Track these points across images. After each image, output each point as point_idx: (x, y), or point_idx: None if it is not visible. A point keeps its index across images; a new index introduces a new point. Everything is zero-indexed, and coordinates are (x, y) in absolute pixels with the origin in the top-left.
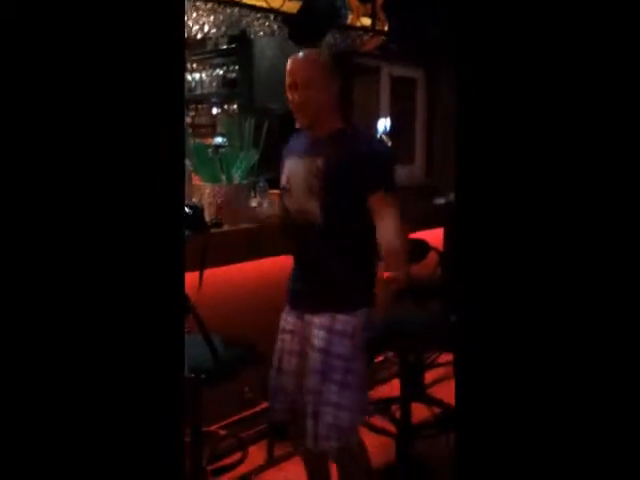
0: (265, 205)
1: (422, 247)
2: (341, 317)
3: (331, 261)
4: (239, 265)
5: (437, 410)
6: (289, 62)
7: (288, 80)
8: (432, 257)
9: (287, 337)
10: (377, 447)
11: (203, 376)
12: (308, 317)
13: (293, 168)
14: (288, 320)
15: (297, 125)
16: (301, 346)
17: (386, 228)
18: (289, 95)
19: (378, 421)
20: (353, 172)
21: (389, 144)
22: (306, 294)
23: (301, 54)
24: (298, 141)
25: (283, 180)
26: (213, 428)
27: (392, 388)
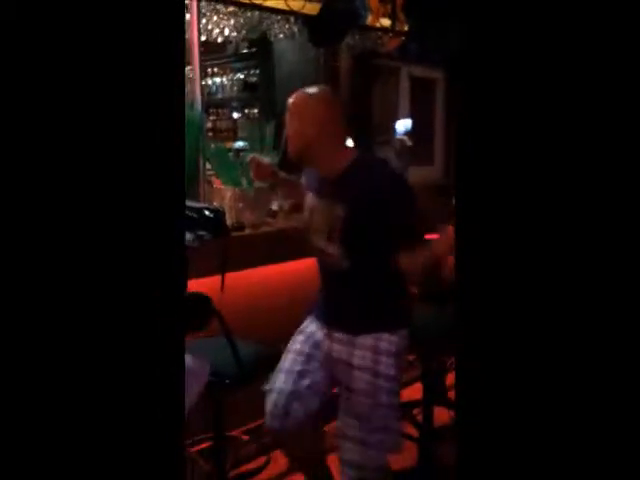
0: (286, 208)
1: None
2: (385, 336)
3: (360, 294)
4: (261, 268)
5: None
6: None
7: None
8: (451, 260)
9: (305, 344)
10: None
11: (227, 381)
12: (345, 337)
13: (313, 208)
14: (309, 330)
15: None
16: (320, 360)
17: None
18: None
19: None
20: (376, 222)
21: (409, 144)
22: (341, 316)
23: (299, 92)
24: (312, 176)
25: (305, 215)
26: (236, 433)
27: (413, 391)
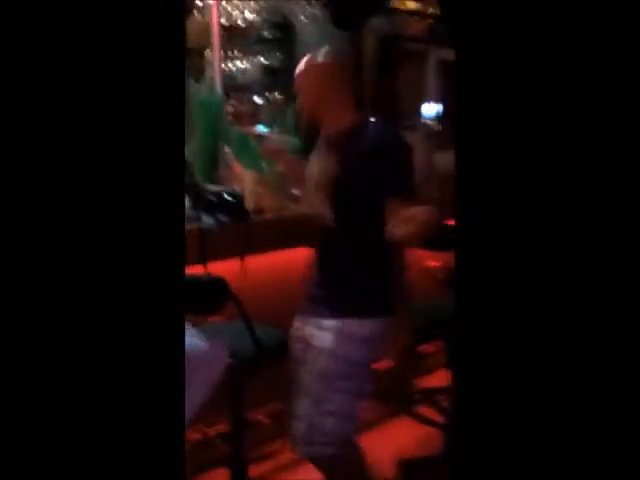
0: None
1: None
2: (350, 321)
3: (345, 264)
4: (280, 252)
5: None
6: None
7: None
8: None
9: (298, 346)
10: (424, 437)
11: (246, 364)
12: (317, 322)
13: (309, 166)
14: (297, 327)
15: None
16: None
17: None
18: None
19: (425, 411)
20: (366, 177)
21: (437, 129)
22: (316, 298)
23: (306, 57)
24: (320, 138)
25: (306, 173)
26: (256, 415)
27: (438, 378)
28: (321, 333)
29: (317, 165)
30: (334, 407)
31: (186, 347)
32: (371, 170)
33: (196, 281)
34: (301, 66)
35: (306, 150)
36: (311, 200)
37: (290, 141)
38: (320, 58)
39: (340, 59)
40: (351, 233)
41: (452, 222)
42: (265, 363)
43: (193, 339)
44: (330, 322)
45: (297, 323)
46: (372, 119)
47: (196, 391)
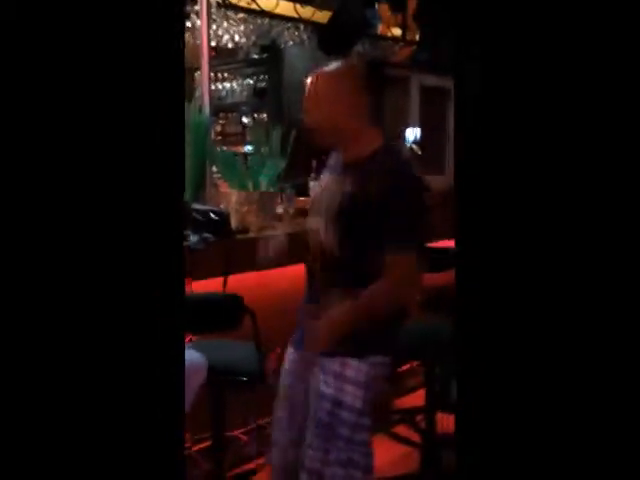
0: (291, 212)
1: (446, 256)
2: (353, 363)
3: (343, 297)
4: (265, 271)
5: None
6: (310, 76)
7: (305, 94)
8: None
9: (287, 382)
10: (401, 457)
11: (244, 378)
12: (315, 360)
13: (325, 186)
14: (290, 361)
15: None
16: (301, 393)
17: (375, 289)
18: (303, 112)
19: (403, 430)
20: (373, 211)
21: (418, 153)
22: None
23: (327, 67)
24: (334, 159)
25: (314, 193)
26: (237, 433)
27: (417, 398)
28: (320, 376)
29: (331, 186)
30: (342, 457)
31: None
32: (378, 208)
33: (212, 299)
34: (316, 79)
35: (289, 171)
36: (315, 220)
37: (274, 162)
38: (335, 67)
39: (355, 67)
40: (353, 262)
41: (433, 245)
42: (261, 380)
43: None
44: (330, 363)
45: (290, 358)
46: (394, 147)
47: None
